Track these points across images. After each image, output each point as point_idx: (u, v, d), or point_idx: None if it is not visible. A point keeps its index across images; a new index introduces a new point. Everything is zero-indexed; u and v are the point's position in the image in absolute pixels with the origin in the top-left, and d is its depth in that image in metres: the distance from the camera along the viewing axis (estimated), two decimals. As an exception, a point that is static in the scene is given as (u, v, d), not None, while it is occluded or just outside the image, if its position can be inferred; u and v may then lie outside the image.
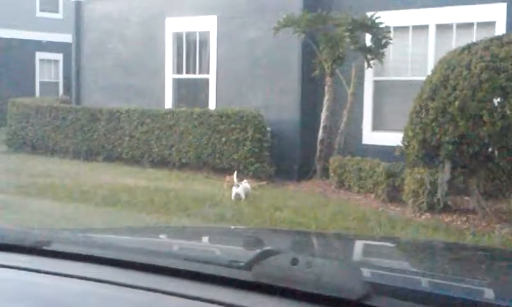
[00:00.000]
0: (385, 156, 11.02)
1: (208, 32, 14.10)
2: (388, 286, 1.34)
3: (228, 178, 11.39)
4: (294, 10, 12.16)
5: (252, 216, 8.88)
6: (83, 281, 1.46)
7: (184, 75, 14.63)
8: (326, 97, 11.96)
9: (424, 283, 1.54)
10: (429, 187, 8.66)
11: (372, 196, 10.50)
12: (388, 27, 11.52)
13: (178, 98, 14.71)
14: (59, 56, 27.82)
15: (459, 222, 8.42)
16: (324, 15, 11.32)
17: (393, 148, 10.99)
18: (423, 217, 8.88)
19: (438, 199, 8.62)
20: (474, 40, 10.42)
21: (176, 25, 14.56)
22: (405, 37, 12.08)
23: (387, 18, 11.63)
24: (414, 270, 1.83)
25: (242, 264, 1.37)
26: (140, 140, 13.87)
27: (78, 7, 15.98)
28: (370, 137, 12.56)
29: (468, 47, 8.10)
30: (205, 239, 2.26)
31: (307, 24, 11.41)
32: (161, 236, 2.33)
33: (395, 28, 11.98)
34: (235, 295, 1.32)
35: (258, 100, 13.27)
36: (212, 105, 13.91)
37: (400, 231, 7.84)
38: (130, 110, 14.04)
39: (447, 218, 8.66)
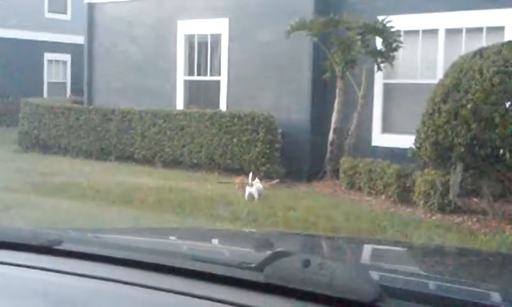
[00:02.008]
0: (394, 158, 11.20)
1: (220, 34, 14.30)
2: (400, 289, 1.35)
3: (239, 179, 11.58)
4: (305, 13, 12.35)
5: (267, 215, 9.08)
6: (92, 280, 1.47)
7: (195, 77, 14.83)
8: (337, 100, 12.15)
9: (436, 286, 1.55)
10: (440, 188, 8.84)
11: (383, 197, 10.68)
12: (398, 31, 11.69)
13: (189, 100, 14.91)
14: (67, 57, 28.06)
15: (469, 223, 8.60)
16: (336, 19, 11.51)
17: (402, 150, 11.23)
18: (434, 217, 9.06)
19: (449, 201, 8.81)
20: (484, 45, 10.64)
21: (188, 27, 14.76)
22: (415, 41, 12.27)
23: (397, 22, 11.81)
24: (425, 273, 1.81)
25: (253, 265, 1.37)
26: (152, 140, 14.07)
27: (90, 10, 16.19)
28: (380, 139, 12.74)
29: (480, 52, 8.29)
30: (216, 240, 2.25)
31: (319, 28, 11.60)
32: (171, 237, 2.31)
33: (405, 32, 12.16)
34: (247, 296, 1.32)
35: (268, 102, 13.45)
36: (222, 107, 14.10)
37: (413, 231, 8.03)
38: (142, 111, 14.24)
39: (458, 219, 8.84)
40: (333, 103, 12.44)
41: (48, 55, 27.56)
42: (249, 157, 12.69)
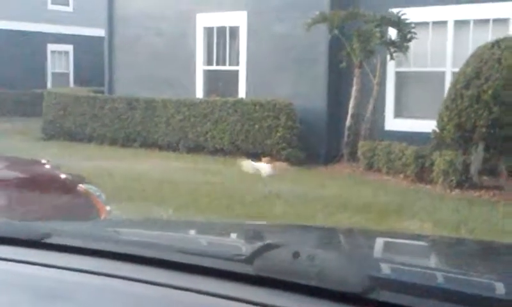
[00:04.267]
0: (406, 141, 12.14)
1: (238, 27, 15.14)
2: (392, 280, 1.35)
3: (264, 160, 12.43)
4: (320, 6, 13.25)
5: (297, 193, 9.97)
6: (81, 274, 1.47)
7: (215, 67, 15.67)
8: (354, 87, 13.07)
9: (429, 277, 1.52)
10: (460, 167, 9.80)
11: (401, 176, 11.61)
12: (412, 23, 12.61)
13: (209, 89, 15.74)
14: (69, 47, 28.69)
15: (487, 196, 9.59)
16: (355, 12, 12.42)
17: (413, 133, 12.28)
18: (453, 193, 10.03)
19: (468, 177, 9.78)
20: (490, 35, 11.64)
21: (207, 20, 15.59)
22: (425, 32, 13.20)
23: (409, 14, 12.73)
24: (419, 264, 1.77)
25: (243, 257, 1.37)
26: (176, 127, 14.90)
27: (110, 2, 16.93)
28: (392, 123, 13.69)
29: (498, 43, 9.25)
30: (206, 233, 2.21)
31: (339, 21, 12.50)
32: (161, 229, 2.29)
33: (416, 23, 13.06)
34: (237, 289, 1.32)
35: (286, 90, 14.31)
36: (241, 95, 14.96)
37: (440, 203, 9.00)
38: (166, 99, 15.06)
39: (476, 193, 9.82)
40: (348, 91, 13.36)
41: (51, 47, 28.15)
42: (271, 142, 13.57)
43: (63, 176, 3.98)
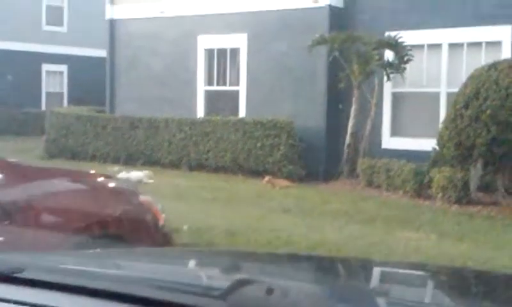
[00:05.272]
0: (401, 158, 12.64)
1: (239, 48, 15.63)
2: None
3: (267, 178, 12.99)
4: (319, 29, 13.79)
5: (306, 208, 10.42)
6: None
7: (215, 87, 16.13)
8: (353, 107, 13.58)
9: None
10: (459, 183, 10.29)
11: (400, 192, 12.07)
12: (409, 46, 13.17)
13: (209, 108, 16.18)
14: (63, 67, 29.05)
15: (485, 212, 10.08)
16: (354, 35, 12.96)
17: (408, 151, 12.86)
18: (453, 208, 10.52)
19: (467, 193, 10.27)
20: (483, 58, 12.23)
21: (207, 42, 16.07)
22: (420, 54, 13.76)
23: (405, 37, 13.29)
24: (393, 296, 1.74)
25: (217, 293, 1.36)
26: (178, 146, 15.31)
27: (112, 25, 17.38)
28: (388, 142, 14.21)
29: (494, 65, 9.80)
30: (179, 264, 2.18)
31: (339, 43, 13.03)
32: (139, 260, 2.21)
33: (412, 46, 13.63)
34: None
35: (285, 110, 14.78)
36: (241, 114, 15.42)
37: (441, 217, 9.49)
38: (168, 119, 15.48)
39: (474, 209, 10.32)
40: (346, 111, 13.89)
41: (46, 66, 28.51)
42: (272, 160, 14.02)
43: (130, 188, 4.41)
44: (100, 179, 4.44)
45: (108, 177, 4.83)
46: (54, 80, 29.06)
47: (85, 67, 27.87)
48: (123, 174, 12.73)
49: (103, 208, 3.93)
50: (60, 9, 29.01)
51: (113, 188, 4.36)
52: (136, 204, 4.15)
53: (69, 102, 27.72)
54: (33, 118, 24.87)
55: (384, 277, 2.10)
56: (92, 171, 4.82)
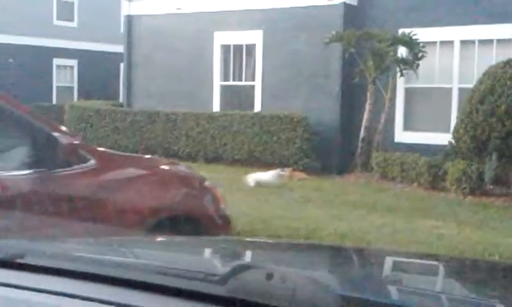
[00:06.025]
0: (413, 152, 13.08)
1: (255, 44, 16.05)
2: (363, 299, 1.37)
3: (286, 170, 13.46)
4: (334, 26, 14.22)
5: (327, 199, 10.85)
6: (55, 296, 1.46)
7: (231, 82, 16.55)
8: (368, 102, 14.01)
9: (400, 295, 1.55)
10: (474, 175, 10.72)
11: (415, 184, 12.51)
12: (423, 43, 13.59)
13: (225, 103, 16.60)
14: (74, 62, 29.45)
15: (499, 202, 10.53)
16: (369, 32, 13.38)
17: (420, 145, 13.31)
18: (467, 199, 10.96)
19: (481, 185, 10.71)
20: (494, 55, 12.67)
21: (224, 38, 16.48)
22: (433, 50, 14.18)
23: (417, 34, 13.71)
24: (395, 283, 1.75)
25: (217, 278, 1.37)
26: (195, 139, 15.73)
27: (129, 21, 17.79)
28: (401, 136, 14.65)
29: (508, 62, 10.22)
30: (179, 252, 2.19)
31: (354, 40, 13.46)
32: (139, 248, 2.21)
33: (425, 43, 14.06)
34: None
35: (300, 104, 15.21)
36: (257, 109, 15.84)
37: (457, 208, 9.92)
38: (186, 113, 15.90)
39: (488, 200, 10.77)
40: (359, 105, 14.32)
41: (57, 61, 28.91)
42: (288, 153, 14.45)
43: (196, 174, 4.86)
44: (171, 166, 4.91)
45: (177, 164, 5.31)
46: (65, 75, 29.46)
47: (95, 61, 28.35)
48: None
49: (174, 192, 4.37)
50: (71, 4, 29.38)
51: (182, 174, 4.80)
52: (202, 189, 4.60)
53: (79, 96, 28.15)
54: (45, 111, 25.30)
55: (383, 264, 2.14)
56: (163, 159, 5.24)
